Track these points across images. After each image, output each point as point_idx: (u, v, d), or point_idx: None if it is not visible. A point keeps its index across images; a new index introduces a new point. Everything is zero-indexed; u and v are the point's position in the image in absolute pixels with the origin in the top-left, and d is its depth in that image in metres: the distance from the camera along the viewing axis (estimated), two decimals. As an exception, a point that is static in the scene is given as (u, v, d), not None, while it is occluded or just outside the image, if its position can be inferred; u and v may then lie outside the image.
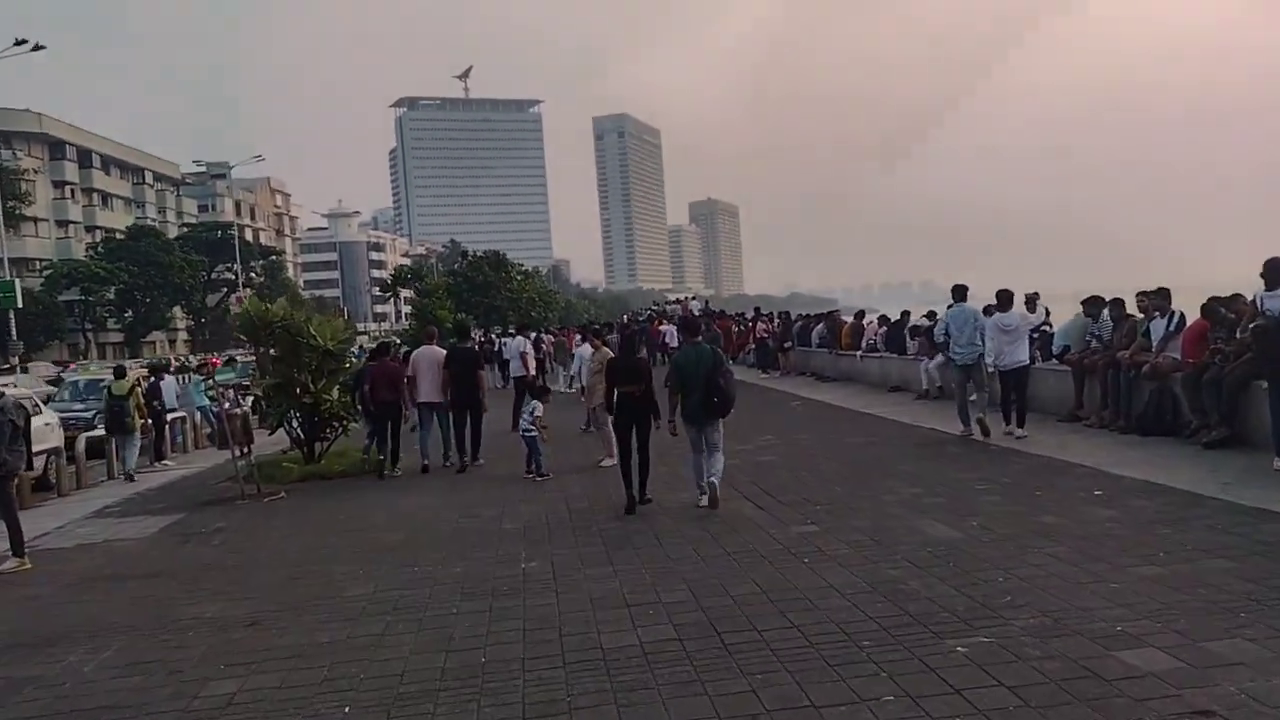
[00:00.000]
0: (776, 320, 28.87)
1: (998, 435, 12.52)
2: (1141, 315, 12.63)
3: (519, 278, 66.96)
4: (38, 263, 79.98)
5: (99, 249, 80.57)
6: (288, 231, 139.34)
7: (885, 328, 20.89)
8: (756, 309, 32.06)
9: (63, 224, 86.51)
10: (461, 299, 48.25)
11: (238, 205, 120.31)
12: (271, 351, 14.64)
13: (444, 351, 14.25)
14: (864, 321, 22.81)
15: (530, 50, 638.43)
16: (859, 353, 21.78)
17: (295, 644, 6.15)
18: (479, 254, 66.18)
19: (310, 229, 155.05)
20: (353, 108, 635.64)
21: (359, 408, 14.40)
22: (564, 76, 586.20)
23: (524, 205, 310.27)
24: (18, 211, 67.46)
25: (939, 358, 17.00)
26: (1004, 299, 13.00)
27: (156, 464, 17.62)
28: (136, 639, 6.59)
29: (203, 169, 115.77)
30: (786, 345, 26.46)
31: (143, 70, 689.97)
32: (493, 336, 37.02)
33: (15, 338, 40.20)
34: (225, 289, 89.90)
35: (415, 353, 14.57)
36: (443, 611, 6.65)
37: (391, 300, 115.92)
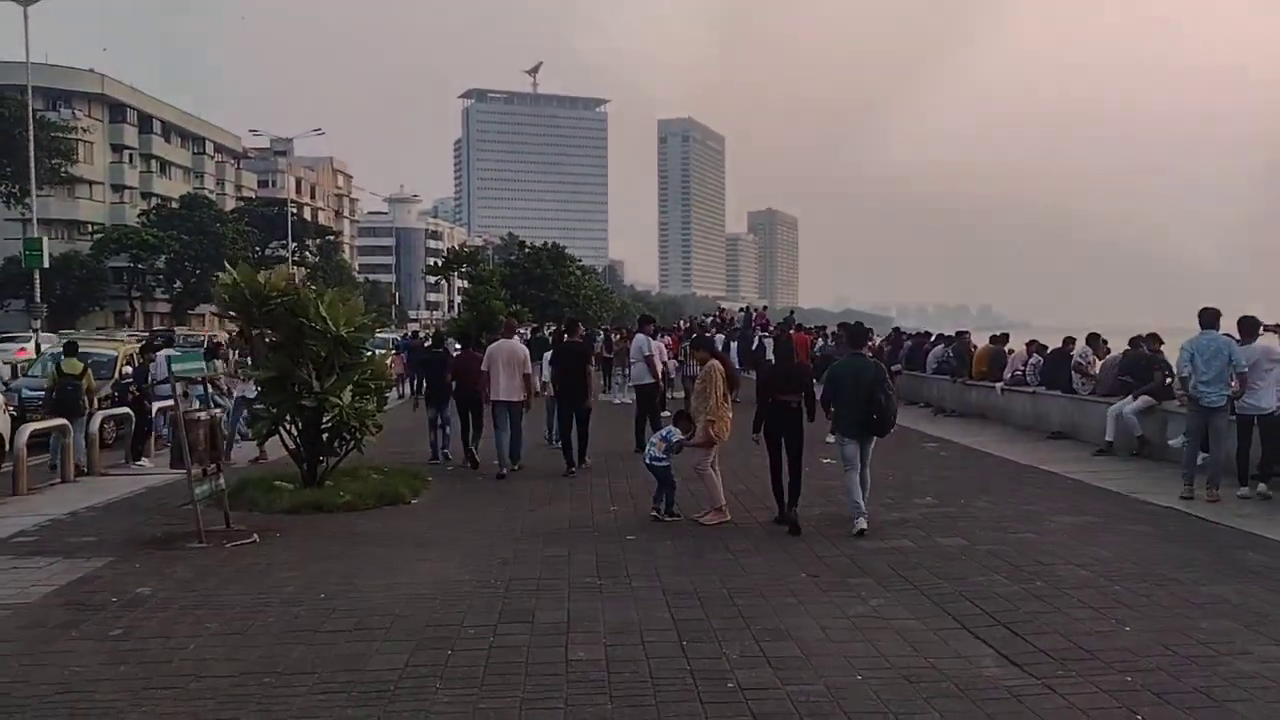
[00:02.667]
0: (881, 338, 24.62)
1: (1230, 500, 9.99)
2: None
3: (577, 272, 63.53)
4: (90, 226, 78.27)
5: (151, 216, 78.46)
6: (347, 213, 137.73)
7: (1038, 356, 16.84)
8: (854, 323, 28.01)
9: (118, 189, 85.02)
10: (517, 290, 44.87)
11: (298, 182, 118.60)
12: (268, 336, 11.10)
13: (523, 346, 13.55)
14: (1005, 347, 18.76)
15: (601, 50, 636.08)
16: (999, 384, 17.74)
17: None
18: (538, 246, 62.78)
19: (370, 212, 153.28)
20: (422, 97, 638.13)
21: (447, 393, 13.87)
22: (632, 78, 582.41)
23: (584, 203, 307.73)
24: (63, 170, 65.11)
25: (1139, 401, 13.01)
26: (1246, 328, 10.33)
27: (132, 463, 14.19)
28: None
29: (266, 144, 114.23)
30: (895, 369, 22.44)
31: (208, 42, 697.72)
32: (598, 332, 33.48)
33: (39, 300, 37.12)
34: (278, 266, 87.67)
35: (492, 346, 13.13)
36: None
37: (444, 288, 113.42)
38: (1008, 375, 17.54)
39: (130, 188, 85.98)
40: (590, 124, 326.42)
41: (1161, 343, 13.52)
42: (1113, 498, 10.58)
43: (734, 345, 25.99)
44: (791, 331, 25.40)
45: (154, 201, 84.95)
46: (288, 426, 10.99)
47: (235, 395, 14.16)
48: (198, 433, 8.98)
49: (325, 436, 11.05)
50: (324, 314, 10.41)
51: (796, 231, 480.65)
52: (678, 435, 9.78)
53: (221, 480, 9.44)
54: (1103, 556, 7.84)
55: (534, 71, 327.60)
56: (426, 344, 19.51)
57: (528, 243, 63.54)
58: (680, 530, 9.23)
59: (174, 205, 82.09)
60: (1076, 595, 6.73)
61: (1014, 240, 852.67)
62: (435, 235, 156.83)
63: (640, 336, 16.11)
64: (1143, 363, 13.34)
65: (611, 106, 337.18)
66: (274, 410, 10.87)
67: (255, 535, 8.91)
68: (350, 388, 10.78)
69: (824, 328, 39.21)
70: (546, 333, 34.01)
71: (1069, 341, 16.06)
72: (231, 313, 10.93)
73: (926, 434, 16.50)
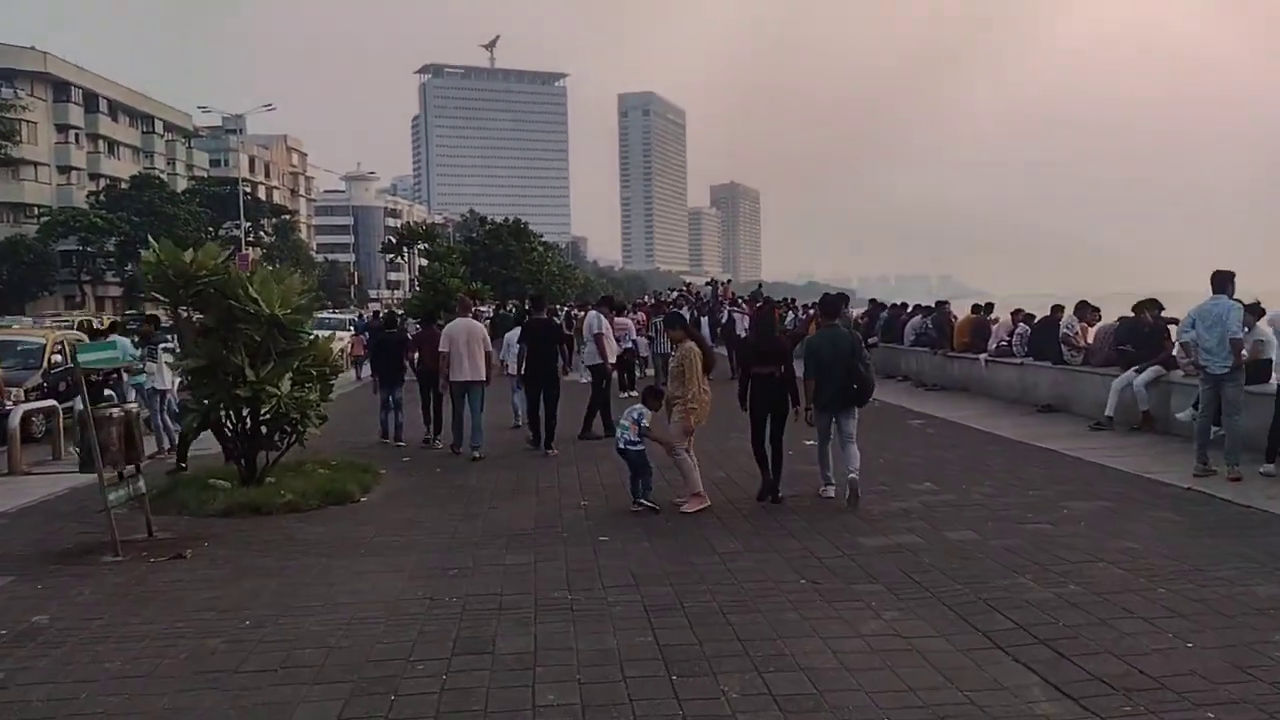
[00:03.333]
0: (859, 311, 23.69)
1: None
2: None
3: (539, 248, 62.29)
4: (36, 209, 75.89)
5: (100, 197, 76.18)
6: (303, 192, 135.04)
7: (1024, 326, 16.04)
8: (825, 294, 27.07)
9: (64, 170, 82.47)
10: (478, 268, 43.57)
11: (251, 161, 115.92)
12: (196, 318, 10.02)
13: (480, 325, 13.00)
14: (990, 317, 17.95)
15: (558, 23, 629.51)
16: (983, 356, 16.96)
17: None
18: (499, 221, 61.38)
19: (327, 191, 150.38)
20: (377, 73, 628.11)
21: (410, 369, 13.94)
22: (591, 51, 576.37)
23: (544, 179, 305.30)
24: (4, 151, 62.85)
25: (1147, 372, 12.22)
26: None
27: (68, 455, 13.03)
28: None
29: (218, 123, 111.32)
30: (872, 340, 21.62)
31: (158, 19, 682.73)
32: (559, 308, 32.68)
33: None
34: (234, 247, 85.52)
35: (449, 326, 12.69)
36: None
37: (405, 267, 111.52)
38: (992, 346, 16.72)
39: (77, 169, 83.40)
40: (549, 99, 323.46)
41: (1162, 309, 12.75)
42: (1124, 478, 9.76)
43: (704, 321, 25.08)
44: (758, 305, 24.51)
45: (102, 183, 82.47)
46: (222, 419, 9.95)
47: (148, 387, 13.02)
48: (110, 431, 7.91)
49: (264, 430, 10.00)
50: (255, 294, 9.34)
51: (759, 205, 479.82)
52: (648, 416, 9.06)
53: (141, 483, 8.40)
54: (1133, 550, 7.01)
55: (491, 46, 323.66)
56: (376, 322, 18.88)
57: (489, 218, 62.07)
58: (658, 525, 8.32)
59: (123, 186, 79.76)
60: (1118, 601, 5.88)
61: (972, 209, 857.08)
62: (394, 213, 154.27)
63: (592, 314, 15.26)
64: (1145, 331, 12.55)
65: (571, 81, 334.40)
66: (205, 402, 9.80)
67: (185, 551, 7.86)
68: (289, 375, 9.72)
69: (793, 299, 38.45)
70: (510, 310, 32.99)
71: (1057, 310, 15.25)
72: (156, 295, 9.80)
73: (910, 409, 15.66)
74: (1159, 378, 12.16)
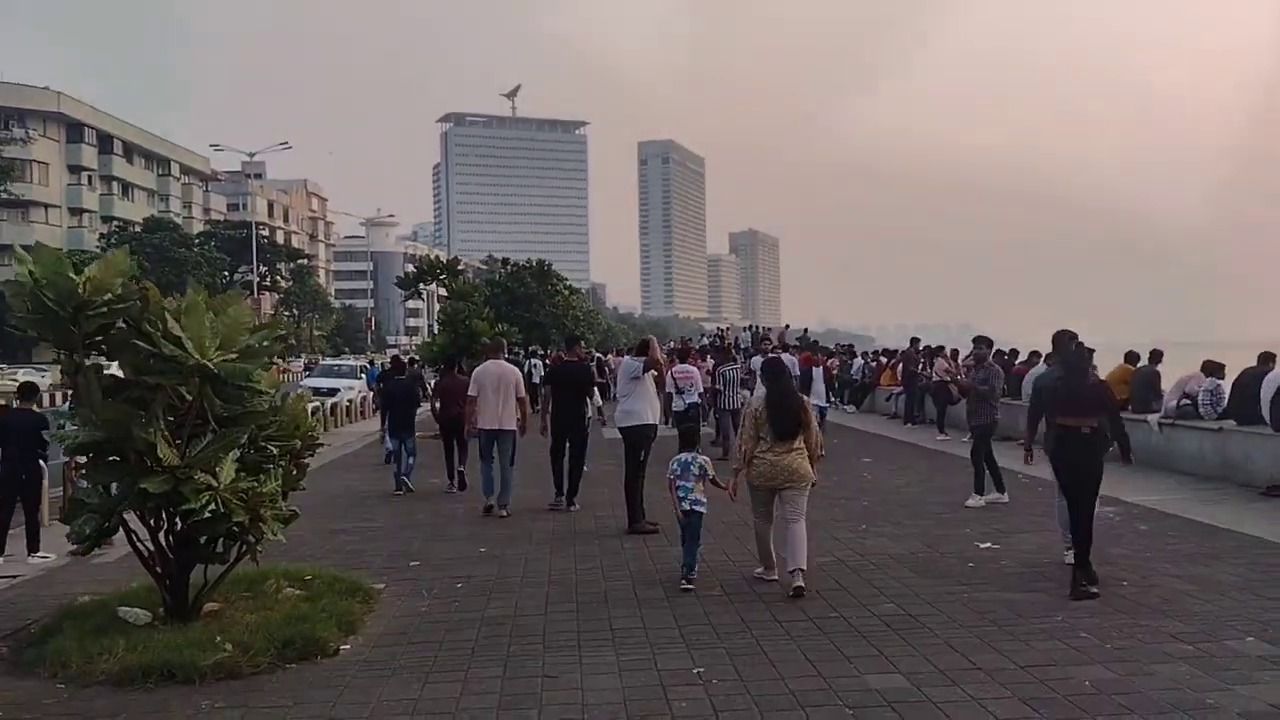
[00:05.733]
0: (958, 358, 19.51)
1: None
2: None
3: (564, 291, 58.99)
4: (45, 252, 73.58)
5: (111, 240, 73.84)
6: (322, 237, 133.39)
7: (1214, 379, 12.46)
8: (913, 340, 23.46)
9: (76, 212, 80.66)
10: (500, 311, 40.32)
11: (270, 205, 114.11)
12: (102, 363, 6.64)
13: (514, 368, 12.18)
14: (1156, 367, 14.24)
15: (580, 72, 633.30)
16: (1153, 417, 13.29)
17: None
18: (521, 263, 58.12)
19: (347, 237, 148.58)
20: (399, 122, 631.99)
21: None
22: (611, 100, 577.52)
23: (564, 226, 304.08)
24: (4, 190, 60.65)
25: None
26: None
27: (31, 556, 9.57)
28: None
29: (237, 167, 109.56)
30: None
31: (183, 66, 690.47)
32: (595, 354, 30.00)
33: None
34: (249, 292, 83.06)
35: (479, 369, 11.92)
36: None
37: (424, 312, 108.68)
38: (1171, 404, 13.08)
39: (89, 211, 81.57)
40: (570, 146, 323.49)
41: None
42: None
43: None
44: (806, 353, 20.96)
45: (115, 225, 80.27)
46: (137, 521, 6.53)
47: None
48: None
49: (203, 536, 6.57)
50: (179, 331, 5.94)
51: (778, 252, 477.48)
52: (710, 465, 7.99)
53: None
54: None
55: (513, 95, 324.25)
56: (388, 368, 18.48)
57: (511, 260, 58.82)
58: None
59: (135, 229, 77.48)
60: None
61: (986, 256, 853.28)
62: (414, 259, 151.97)
63: (627, 359, 11.72)
64: None
65: (591, 129, 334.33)
66: (106, 495, 6.40)
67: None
68: (234, 456, 6.31)
69: (850, 345, 34.93)
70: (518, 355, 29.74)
71: (1268, 359, 11.70)
72: (33, 332, 6.40)
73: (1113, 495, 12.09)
74: None
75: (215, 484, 6.13)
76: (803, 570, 7.28)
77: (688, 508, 7.67)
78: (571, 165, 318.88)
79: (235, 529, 6.39)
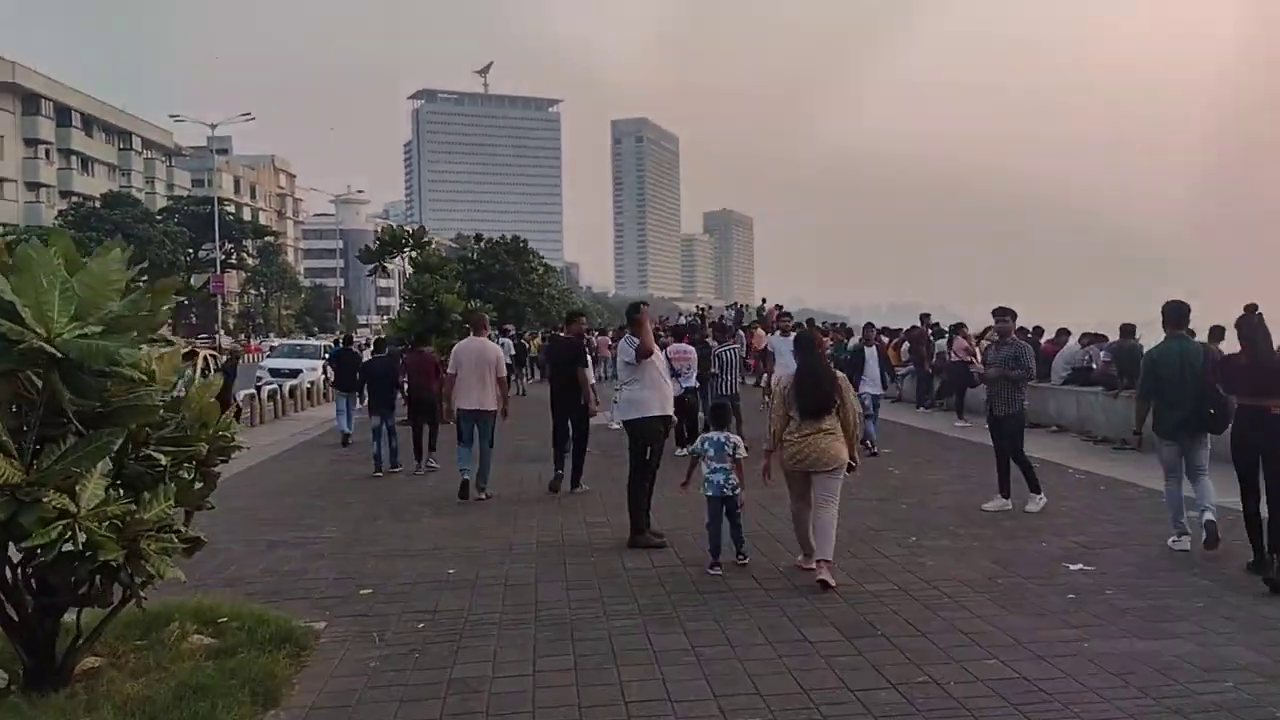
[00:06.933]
0: (979, 335, 17.55)
1: None
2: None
3: (540, 269, 57.17)
4: (1, 227, 70.94)
5: (69, 216, 71.29)
6: (291, 214, 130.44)
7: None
8: (923, 316, 21.77)
9: (33, 186, 77.83)
10: (473, 289, 38.45)
11: (236, 181, 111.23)
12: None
13: (495, 346, 11.56)
14: (1218, 344, 12.65)
15: (553, 50, 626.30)
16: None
17: None
18: (495, 239, 56.12)
19: (316, 214, 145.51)
20: (370, 98, 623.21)
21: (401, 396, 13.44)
22: (585, 78, 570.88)
23: (537, 205, 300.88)
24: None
25: None
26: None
27: None
28: None
29: (202, 142, 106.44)
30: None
31: (146, 36, 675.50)
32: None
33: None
34: (213, 269, 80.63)
35: (458, 346, 11.37)
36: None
37: (395, 291, 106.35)
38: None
39: (47, 185, 78.87)
40: (543, 124, 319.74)
41: None
42: None
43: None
44: (835, 333, 19.30)
45: (74, 200, 77.53)
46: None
47: None
48: None
49: (58, 580, 4.79)
50: (9, 296, 4.15)
51: (752, 231, 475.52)
52: (741, 445, 7.51)
53: None
54: None
55: (484, 71, 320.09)
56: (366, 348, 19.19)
57: (484, 236, 56.81)
58: None
59: (94, 204, 74.87)
60: None
61: (960, 236, 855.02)
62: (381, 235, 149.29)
63: (624, 341, 9.26)
64: None
65: (565, 107, 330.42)
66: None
67: None
68: (102, 469, 4.54)
69: (842, 323, 33.26)
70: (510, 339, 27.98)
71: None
72: None
73: (1132, 484, 10.53)
74: None
75: (73, 508, 4.36)
76: (828, 562, 6.72)
77: (728, 493, 7.26)
78: (544, 143, 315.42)
79: (105, 568, 4.62)
